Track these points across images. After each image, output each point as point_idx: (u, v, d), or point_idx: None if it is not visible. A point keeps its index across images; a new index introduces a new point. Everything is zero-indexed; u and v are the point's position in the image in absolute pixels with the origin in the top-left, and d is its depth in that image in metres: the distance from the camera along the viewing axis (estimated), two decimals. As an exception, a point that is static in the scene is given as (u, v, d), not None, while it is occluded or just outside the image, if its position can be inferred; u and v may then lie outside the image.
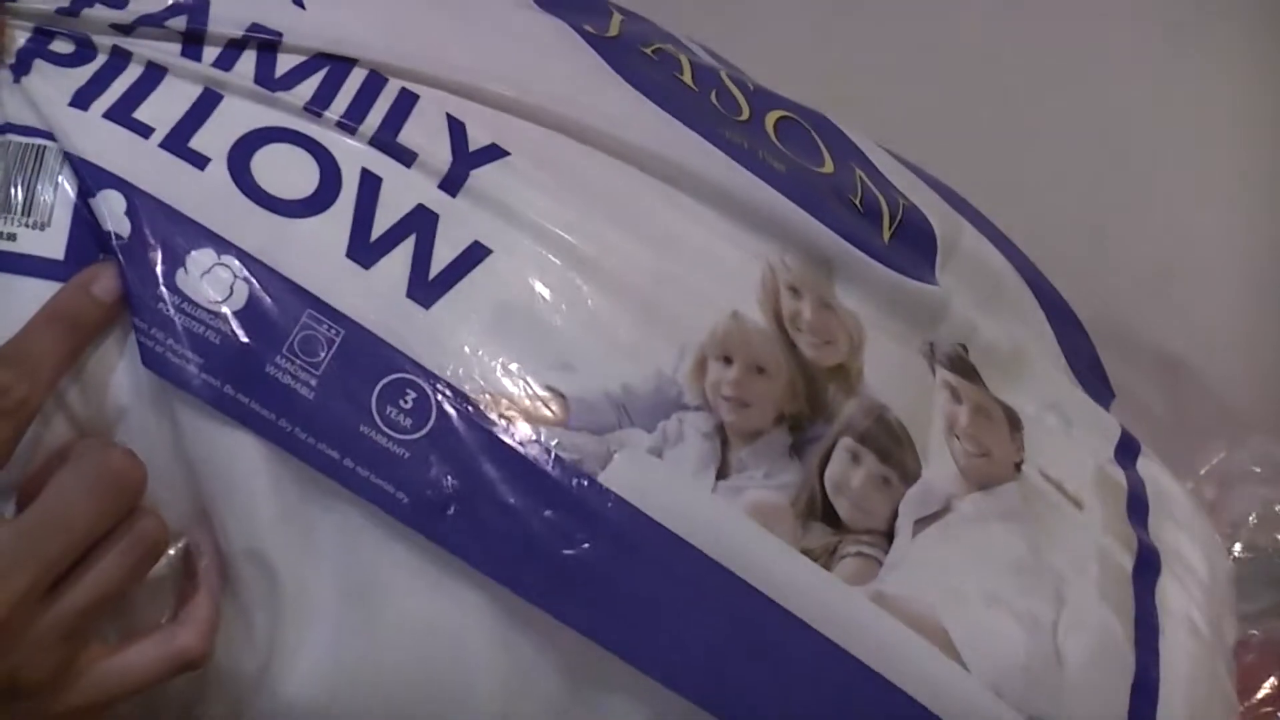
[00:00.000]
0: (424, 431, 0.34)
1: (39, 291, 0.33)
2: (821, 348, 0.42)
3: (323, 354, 0.34)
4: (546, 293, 0.37)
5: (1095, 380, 0.55)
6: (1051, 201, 0.78)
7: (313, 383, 0.33)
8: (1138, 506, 0.51)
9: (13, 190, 0.34)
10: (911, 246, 0.48)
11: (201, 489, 0.34)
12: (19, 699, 0.32)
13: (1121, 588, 0.47)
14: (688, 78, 0.46)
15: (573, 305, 0.37)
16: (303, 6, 0.39)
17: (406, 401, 0.34)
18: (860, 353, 0.43)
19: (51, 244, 0.34)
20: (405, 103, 0.38)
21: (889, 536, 0.40)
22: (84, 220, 0.34)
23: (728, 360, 0.39)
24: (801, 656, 0.37)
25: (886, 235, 0.47)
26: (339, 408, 0.34)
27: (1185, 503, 0.54)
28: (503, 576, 0.34)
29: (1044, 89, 0.77)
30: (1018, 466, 0.46)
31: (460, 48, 0.40)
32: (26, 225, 0.34)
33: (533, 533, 0.34)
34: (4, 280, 0.33)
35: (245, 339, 0.33)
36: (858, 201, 0.47)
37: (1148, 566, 0.49)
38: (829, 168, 0.47)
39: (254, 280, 0.34)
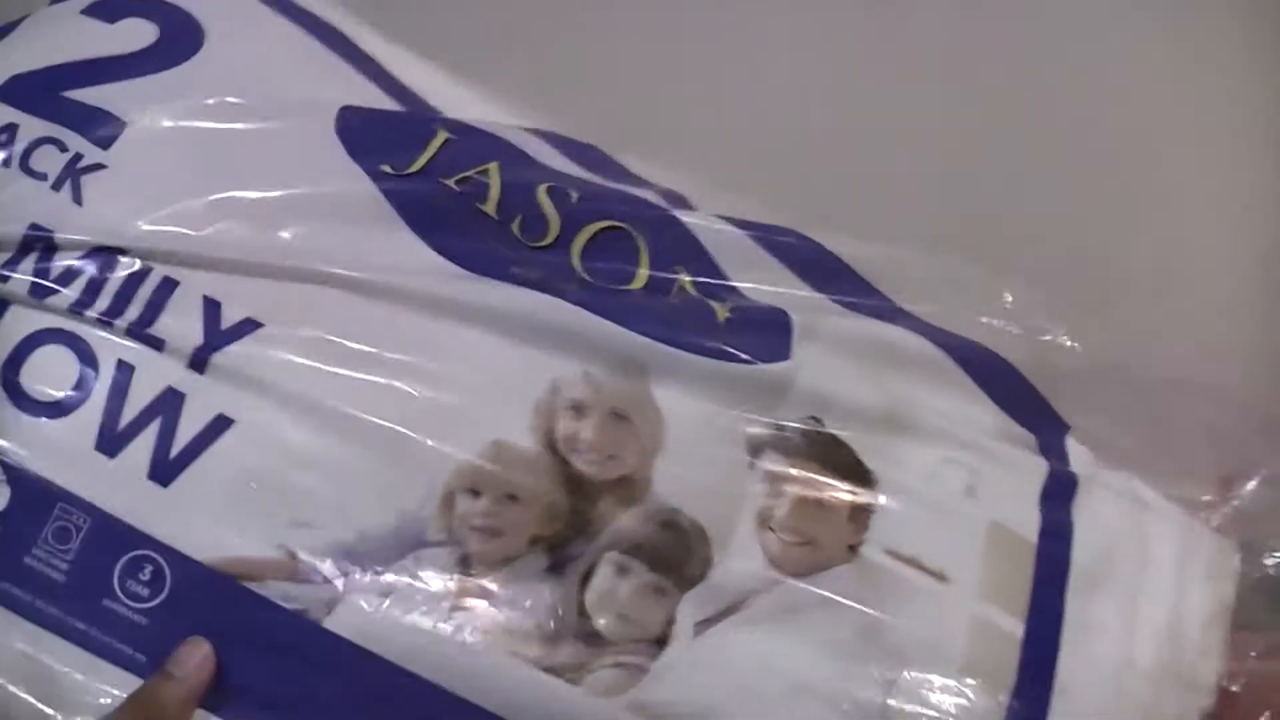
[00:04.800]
0: (160, 599, 0.39)
1: None
2: (604, 464, 0.43)
3: (73, 541, 0.40)
4: (292, 454, 0.41)
5: (1038, 419, 0.53)
6: (1050, 201, 0.76)
7: (64, 567, 0.40)
8: (1053, 564, 0.48)
9: None
10: (754, 327, 0.48)
11: None
12: None
13: (1000, 654, 0.45)
14: (491, 206, 0.48)
15: (320, 462, 0.41)
16: (80, 204, 0.44)
17: (145, 574, 0.39)
18: (653, 460, 0.44)
19: None
20: (165, 290, 0.43)
21: (661, 642, 0.41)
22: None
23: (476, 493, 0.41)
24: None
25: (722, 317, 0.48)
26: (86, 586, 0.39)
27: (1150, 541, 0.51)
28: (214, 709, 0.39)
29: (1042, 89, 0.76)
30: (853, 548, 0.45)
31: (233, 221, 0.45)
32: None
33: (263, 677, 0.39)
34: None
35: (9, 534, 0.40)
36: (673, 300, 0.48)
37: (1044, 631, 0.46)
38: (640, 283, 0.48)
39: (13, 483, 0.40)
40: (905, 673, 0.43)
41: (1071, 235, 0.76)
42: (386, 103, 0.50)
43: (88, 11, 0.49)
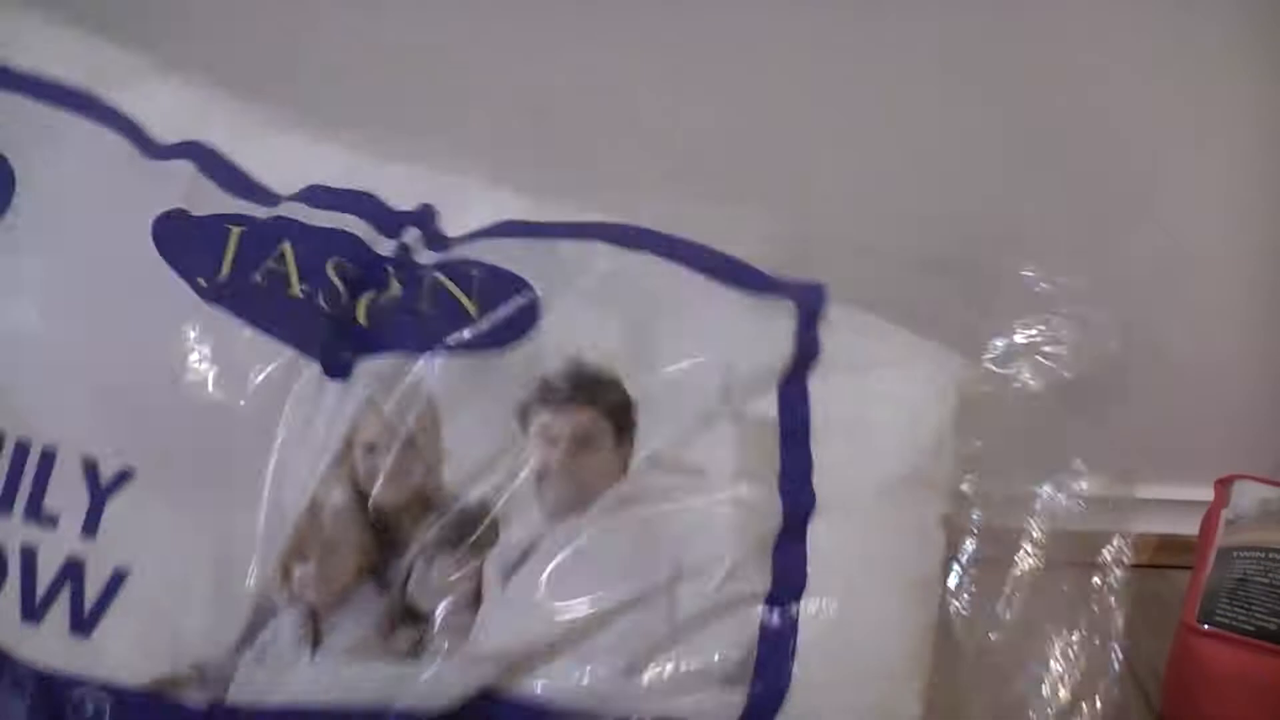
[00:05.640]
0: None
1: None
2: (399, 485, 0.54)
3: (26, 694, 0.52)
4: (176, 586, 0.53)
5: (792, 292, 0.61)
6: (1052, 204, 0.81)
7: (23, 714, 0.52)
8: (793, 430, 0.58)
9: None
10: (502, 309, 0.57)
11: None
12: None
13: (760, 521, 0.56)
14: (295, 287, 0.56)
15: (190, 587, 0.53)
16: None
17: (86, 708, 0.52)
18: (440, 468, 0.54)
19: None
20: (47, 462, 0.53)
21: (475, 604, 0.53)
22: None
23: (304, 557, 0.53)
24: None
25: (473, 310, 0.57)
26: None
27: (878, 393, 0.60)
28: None
29: (1043, 89, 0.79)
30: (622, 470, 0.56)
31: (87, 387, 0.54)
32: None
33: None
34: None
35: None
36: (426, 305, 0.57)
37: (796, 487, 0.57)
38: (395, 292, 0.57)
39: None
40: (684, 556, 0.54)
41: (1071, 235, 0.81)
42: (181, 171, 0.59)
43: None
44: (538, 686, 0.52)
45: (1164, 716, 0.72)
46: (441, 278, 0.58)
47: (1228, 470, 0.81)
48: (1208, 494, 0.81)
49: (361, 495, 0.54)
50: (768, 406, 0.58)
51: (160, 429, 0.55)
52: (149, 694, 0.53)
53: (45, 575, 0.53)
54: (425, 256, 0.60)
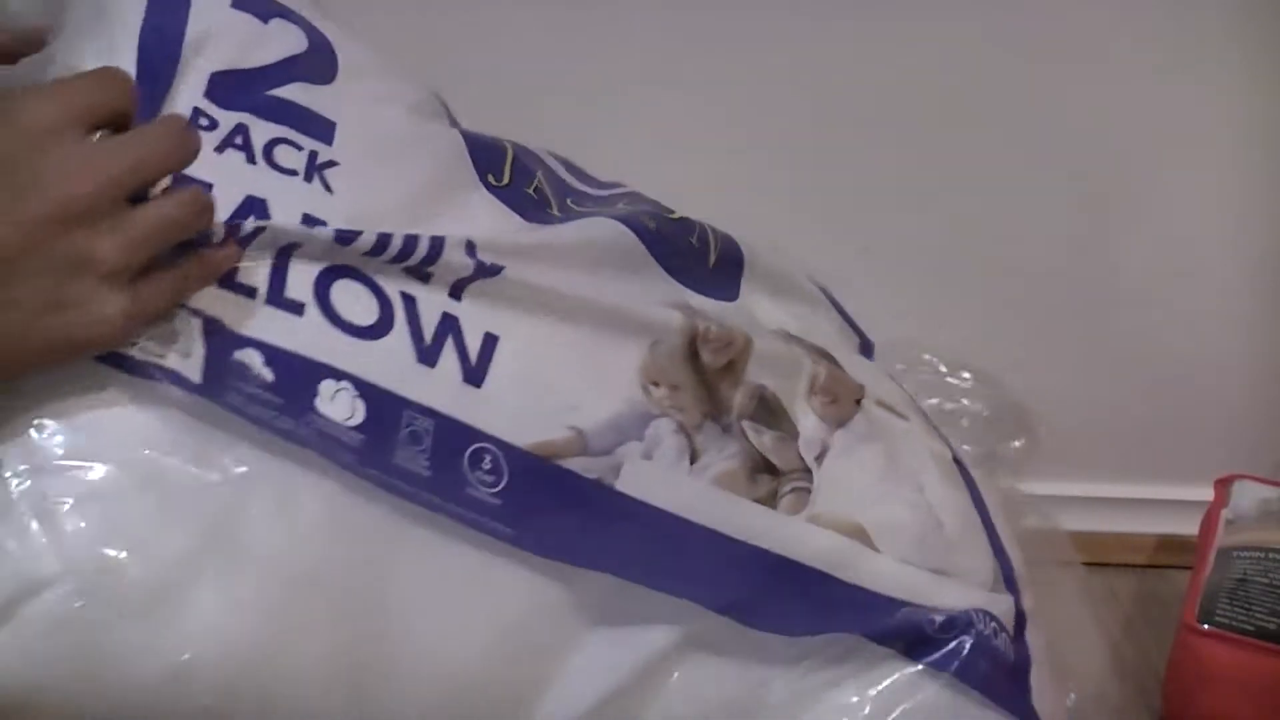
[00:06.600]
0: (504, 483, 0.48)
1: (175, 397, 0.44)
2: (720, 351, 0.57)
3: (424, 442, 0.47)
4: (547, 358, 0.51)
5: (858, 334, 0.72)
6: (1053, 204, 0.84)
7: (425, 463, 0.47)
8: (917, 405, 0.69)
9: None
10: (727, 269, 0.63)
11: None
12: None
13: (951, 470, 0.65)
14: (555, 210, 0.59)
15: (564, 363, 0.52)
16: (332, 193, 0.49)
17: (487, 463, 0.48)
18: (749, 348, 0.59)
19: (192, 368, 0.44)
20: (438, 241, 0.50)
21: (809, 472, 0.57)
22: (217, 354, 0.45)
23: (656, 384, 0.54)
24: (763, 568, 0.53)
25: (712, 261, 0.62)
26: (450, 478, 0.47)
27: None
28: (565, 559, 0.49)
29: (1045, 92, 0.81)
30: (858, 402, 0.63)
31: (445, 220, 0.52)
32: (175, 351, 0.44)
33: (578, 532, 0.49)
34: (147, 385, 0.44)
35: (373, 442, 0.46)
36: (695, 240, 0.62)
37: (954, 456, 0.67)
38: (678, 214, 0.63)
39: (365, 397, 0.46)
40: (924, 483, 0.62)
41: (1072, 235, 0.83)
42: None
43: (239, 6, 0.52)
44: (867, 575, 0.55)
45: (1164, 716, 0.73)
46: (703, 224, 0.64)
47: (1228, 470, 0.81)
48: (1208, 494, 0.81)
49: (693, 349, 0.57)
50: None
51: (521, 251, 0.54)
52: (538, 457, 0.50)
53: (428, 321, 0.50)
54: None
